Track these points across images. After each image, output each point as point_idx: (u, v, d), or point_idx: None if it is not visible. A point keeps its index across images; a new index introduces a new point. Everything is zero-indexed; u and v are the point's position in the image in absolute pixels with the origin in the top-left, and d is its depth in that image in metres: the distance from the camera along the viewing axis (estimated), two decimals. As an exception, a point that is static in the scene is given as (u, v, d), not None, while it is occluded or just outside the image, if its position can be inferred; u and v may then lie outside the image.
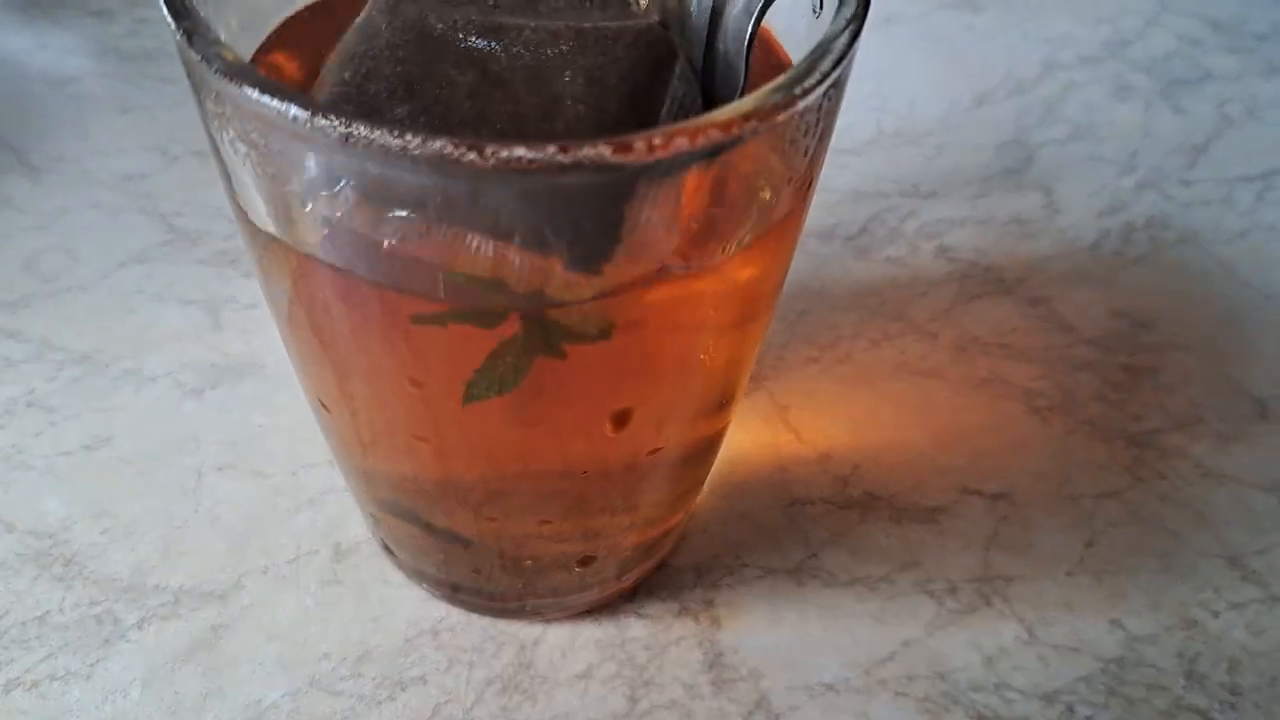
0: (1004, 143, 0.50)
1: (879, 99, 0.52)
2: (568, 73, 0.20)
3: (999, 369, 0.40)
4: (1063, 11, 0.58)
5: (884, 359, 0.40)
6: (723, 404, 0.27)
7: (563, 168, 0.16)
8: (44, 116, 0.48)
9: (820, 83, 0.17)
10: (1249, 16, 0.58)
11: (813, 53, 0.18)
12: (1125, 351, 0.41)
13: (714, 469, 0.33)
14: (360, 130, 0.16)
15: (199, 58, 0.17)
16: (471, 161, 0.16)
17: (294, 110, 0.16)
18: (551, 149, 0.16)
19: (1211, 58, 0.56)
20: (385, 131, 0.16)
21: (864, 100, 0.52)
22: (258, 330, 0.39)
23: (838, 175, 0.47)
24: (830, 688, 0.30)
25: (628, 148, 0.16)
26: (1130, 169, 0.49)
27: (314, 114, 0.16)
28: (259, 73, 0.17)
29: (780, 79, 0.17)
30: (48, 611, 0.31)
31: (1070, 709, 0.30)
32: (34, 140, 0.47)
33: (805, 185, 0.21)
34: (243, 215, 0.21)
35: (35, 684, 0.29)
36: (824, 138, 0.20)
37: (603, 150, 0.16)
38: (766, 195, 0.20)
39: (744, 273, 0.22)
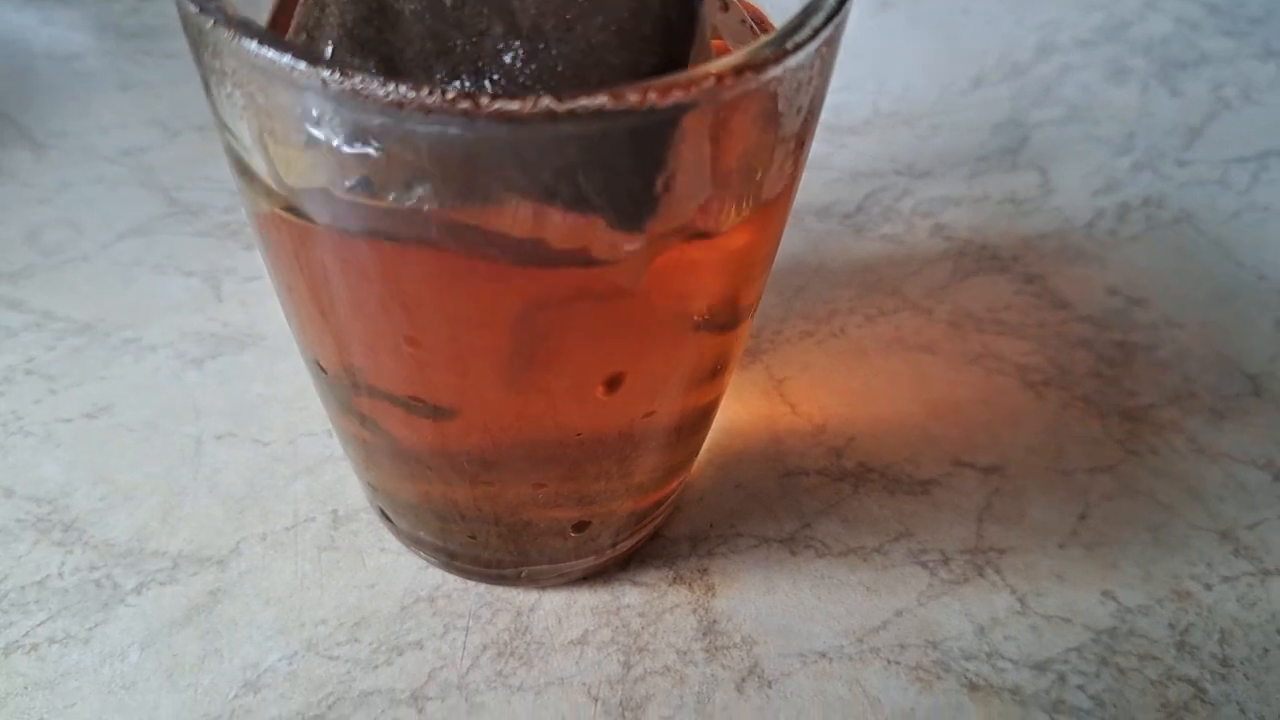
0: (999, 123, 0.50)
1: (876, 80, 0.52)
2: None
3: (993, 344, 0.40)
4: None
5: (879, 334, 0.40)
6: (716, 372, 0.27)
7: (555, 117, 0.16)
8: (47, 92, 0.48)
9: (812, 37, 0.18)
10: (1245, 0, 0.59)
11: (805, 9, 0.18)
12: (1119, 328, 0.41)
13: (709, 439, 0.33)
14: (366, 84, 0.16)
15: (197, 10, 0.17)
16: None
17: (296, 63, 0.16)
18: (546, 101, 0.16)
19: (1208, 40, 0.56)
20: (395, 85, 0.16)
21: (861, 81, 0.52)
22: (258, 302, 0.39)
23: (835, 154, 0.48)
24: (823, 655, 0.31)
25: (621, 97, 0.16)
26: (1126, 150, 0.49)
27: (317, 66, 0.16)
28: (258, 24, 0.17)
29: (772, 34, 0.18)
30: (47, 576, 0.31)
31: (1062, 678, 0.31)
32: (37, 116, 0.47)
33: (798, 147, 0.21)
34: (242, 178, 0.21)
35: (34, 647, 0.30)
36: (816, 100, 0.21)
37: (604, 101, 0.16)
38: (762, 155, 0.20)
39: (738, 236, 0.22)
